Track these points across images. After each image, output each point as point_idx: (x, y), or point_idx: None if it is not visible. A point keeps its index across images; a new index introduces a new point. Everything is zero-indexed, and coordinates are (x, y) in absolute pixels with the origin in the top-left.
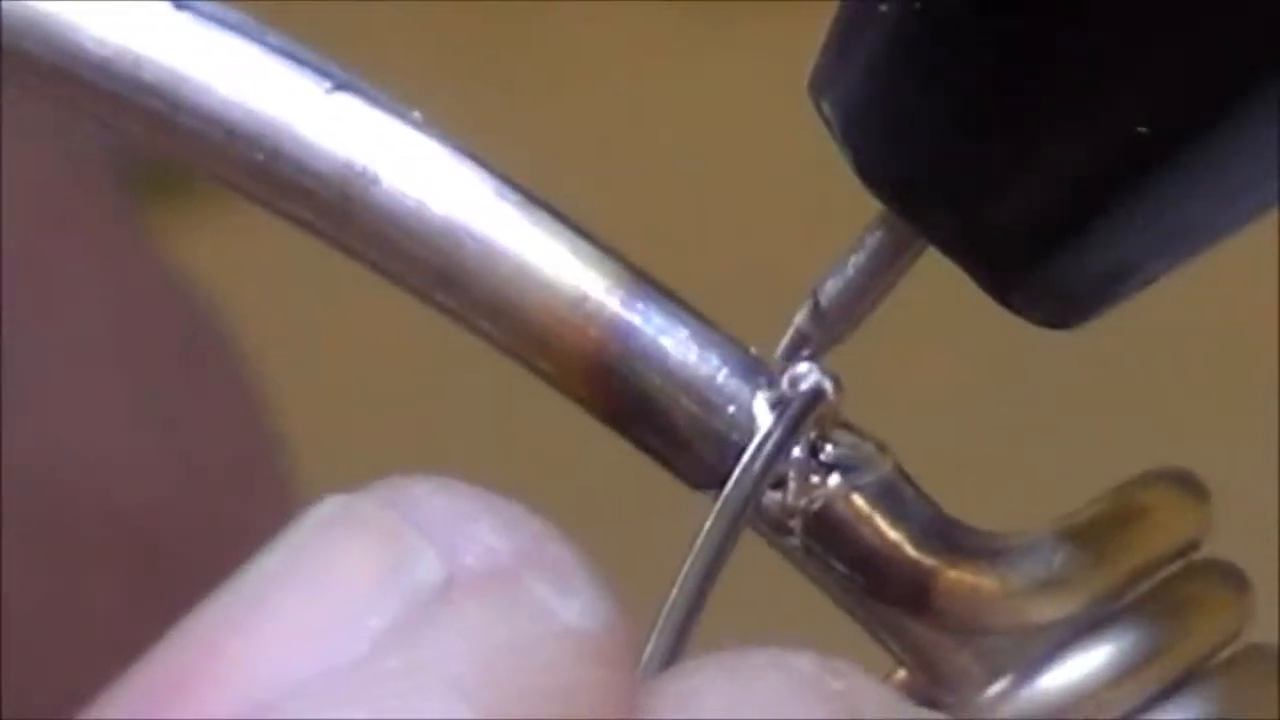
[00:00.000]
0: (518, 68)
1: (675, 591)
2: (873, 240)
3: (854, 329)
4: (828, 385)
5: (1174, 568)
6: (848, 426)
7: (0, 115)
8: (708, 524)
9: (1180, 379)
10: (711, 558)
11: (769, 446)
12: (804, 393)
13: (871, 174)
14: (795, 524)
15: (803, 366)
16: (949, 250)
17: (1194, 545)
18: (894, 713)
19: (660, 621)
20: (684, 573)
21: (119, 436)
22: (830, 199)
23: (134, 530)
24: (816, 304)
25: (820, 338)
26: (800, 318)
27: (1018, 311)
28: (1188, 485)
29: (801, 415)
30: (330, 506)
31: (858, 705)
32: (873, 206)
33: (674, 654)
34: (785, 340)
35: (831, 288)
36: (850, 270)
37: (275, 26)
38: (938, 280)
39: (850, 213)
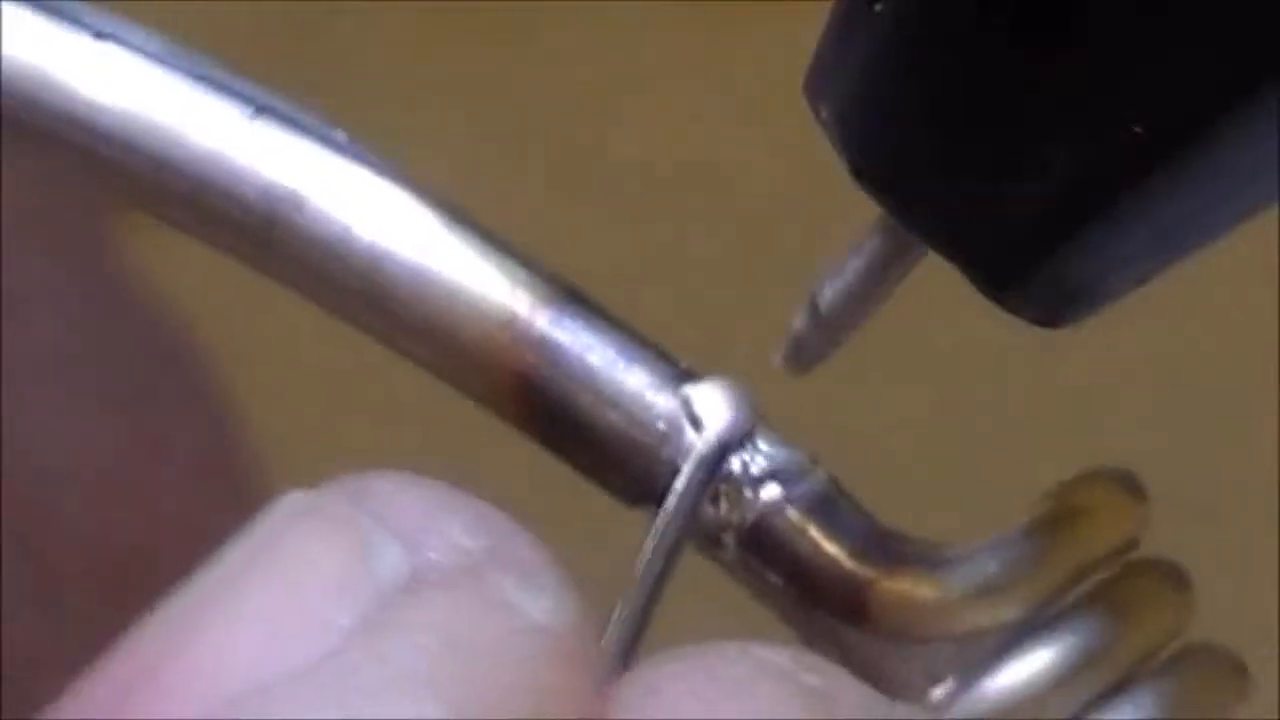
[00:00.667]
0: (518, 72)
1: (620, 608)
2: (872, 245)
3: (852, 334)
4: (753, 399)
5: (1113, 568)
6: (780, 438)
7: None
8: (649, 546)
9: (1179, 378)
10: (654, 577)
11: (703, 465)
12: (733, 408)
13: (866, 175)
14: (730, 538)
15: (723, 380)
16: (944, 250)
17: (1133, 544)
18: (869, 709)
19: (608, 636)
20: (629, 592)
21: (94, 454)
22: (832, 200)
23: (110, 548)
24: (815, 308)
25: (819, 343)
26: (798, 322)
27: (1012, 311)
28: (1125, 484)
29: (733, 432)
30: (293, 502)
31: (833, 700)
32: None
33: (626, 663)
34: (784, 345)
35: (830, 292)
36: (849, 275)
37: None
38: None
39: (852, 214)
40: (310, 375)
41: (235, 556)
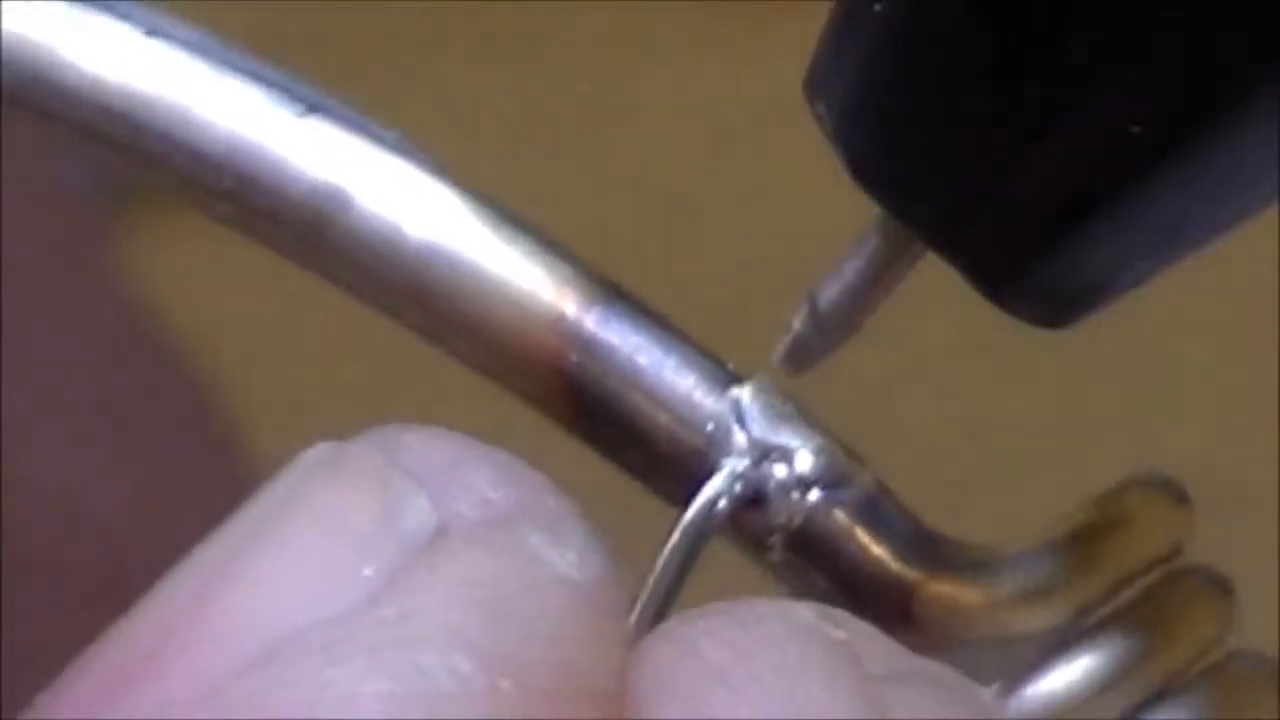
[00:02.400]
0: (526, 72)
1: (638, 609)
2: (870, 244)
3: (852, 334)
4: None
5: (1157, 575)
6: (826, 440)
7: None
8: (669, 545)
9: (1179, 377)
10: (674, 576)
11: (748, 467)
12: (780, 410)
13: (864, 174)
14: (776, 540)
15: (771, 382)
16: (942, 250)
17: (1176, 551)
18: (895, 661)
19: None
20: (645, 593)
21: (79, 454)
22: (835, 200)
23: (95, 546)
24: (814, 308)
25: (818, 343)
26: (798, 322)
27: (1011, 311)
28: (1168, 491)
29: (781, 434)
30: (319, 453)
31: (859, 653)
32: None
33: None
34: (783, 345)
35: (829, 291)
36: (848, 274)
37: (249, 48)
38: (929, 283)
39: (855, 215)
40: (312, 376)
41: (262, 507)
